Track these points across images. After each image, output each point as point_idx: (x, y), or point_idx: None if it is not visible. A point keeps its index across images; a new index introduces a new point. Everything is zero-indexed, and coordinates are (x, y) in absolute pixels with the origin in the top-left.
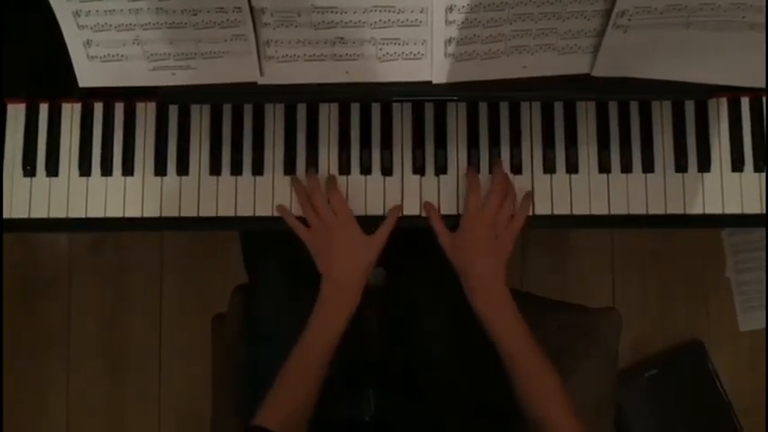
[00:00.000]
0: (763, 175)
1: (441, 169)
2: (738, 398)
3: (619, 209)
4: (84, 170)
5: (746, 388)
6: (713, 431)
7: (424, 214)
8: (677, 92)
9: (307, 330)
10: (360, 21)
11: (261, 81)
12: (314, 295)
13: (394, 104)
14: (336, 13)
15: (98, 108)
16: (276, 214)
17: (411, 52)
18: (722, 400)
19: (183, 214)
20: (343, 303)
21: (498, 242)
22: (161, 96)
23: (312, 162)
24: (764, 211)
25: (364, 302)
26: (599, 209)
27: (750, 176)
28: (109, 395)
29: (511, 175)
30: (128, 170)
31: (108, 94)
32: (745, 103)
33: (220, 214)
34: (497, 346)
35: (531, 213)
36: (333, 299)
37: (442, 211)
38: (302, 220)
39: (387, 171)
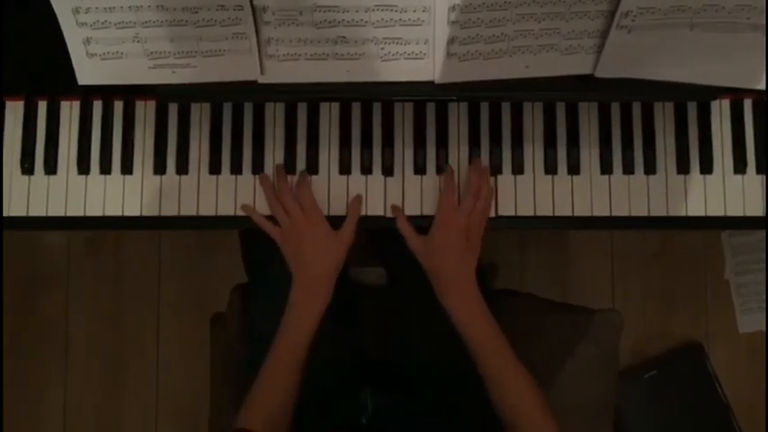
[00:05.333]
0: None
1: (442, 169)
2: (737, 399)
3: (620, 210)
4: (83, 168)
5: (745, 390)
6: None
7: (423, 213)
8: (680, 93)
9: (279, 334)
10: (362, 20)
11: (261, 80)
12: None
13: (395, 104)
14: (338, 11)
15: (97, 106)
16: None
17: (413, 52)
18: (721, 401)
19: (182, 213)
20: (313, 304)
21: (469, 245)
22: (161, 94)
23: (312, 162)
24: (766, 214)
25: (364, 303)
26: (600, 210)
27: (752, 178)
28: (106, 393)
29: (512, 177)
30: (127, 168)
31: (107, 92)
32: (747, 104)
33: (220, 213)
34: (468, 345)
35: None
36: (303, 301)
37: None
38: (271, 218)
39: (388, 171)
